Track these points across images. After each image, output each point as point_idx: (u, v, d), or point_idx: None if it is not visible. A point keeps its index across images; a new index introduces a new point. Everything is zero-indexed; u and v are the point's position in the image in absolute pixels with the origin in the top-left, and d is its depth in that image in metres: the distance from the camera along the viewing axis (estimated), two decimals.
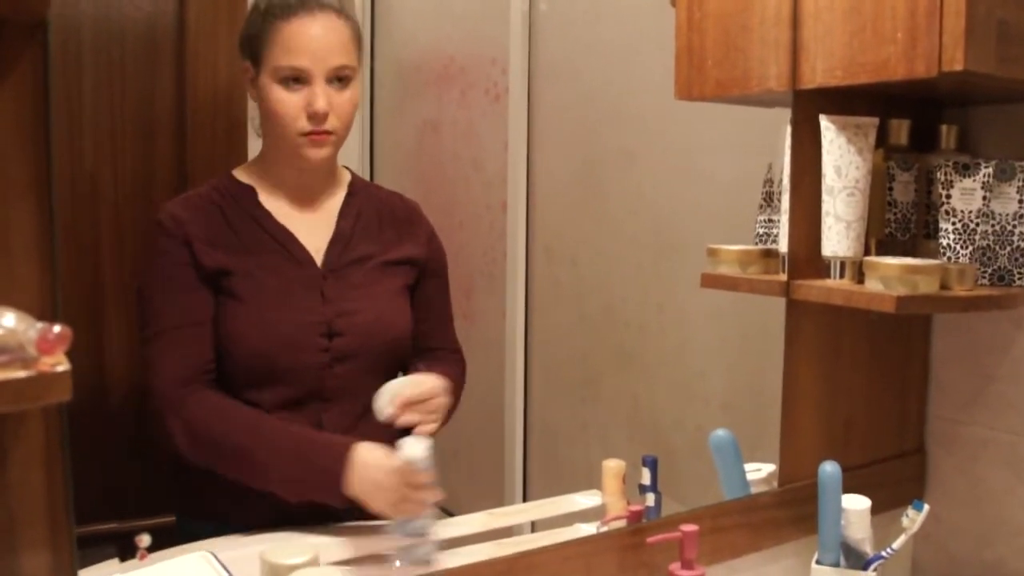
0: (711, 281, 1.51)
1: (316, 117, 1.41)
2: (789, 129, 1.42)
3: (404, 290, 1.52)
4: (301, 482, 1.35)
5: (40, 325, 0.84)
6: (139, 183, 1.71)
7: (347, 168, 1.58)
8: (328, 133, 1.43)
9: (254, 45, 1.45)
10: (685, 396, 1.80)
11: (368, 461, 1.33)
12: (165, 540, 1.28)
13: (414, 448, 1.29)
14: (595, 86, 1.98)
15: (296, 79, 1.40)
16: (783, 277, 1.45)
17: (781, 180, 1.46)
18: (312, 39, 1.41)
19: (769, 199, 1.53)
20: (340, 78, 1.42)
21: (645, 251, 1.87)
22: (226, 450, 1.36)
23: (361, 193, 1.55)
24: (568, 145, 2.06)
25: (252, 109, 1.63)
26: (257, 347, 1.40)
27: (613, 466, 1.44)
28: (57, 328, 0.84)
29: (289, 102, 1.41)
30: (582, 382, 2.04)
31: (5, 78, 0.94)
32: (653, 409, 1.87)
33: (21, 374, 0.80)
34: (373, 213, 1.53)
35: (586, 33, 2.01)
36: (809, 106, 1.39)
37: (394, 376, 1.49)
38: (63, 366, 0.82)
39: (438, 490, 1.30)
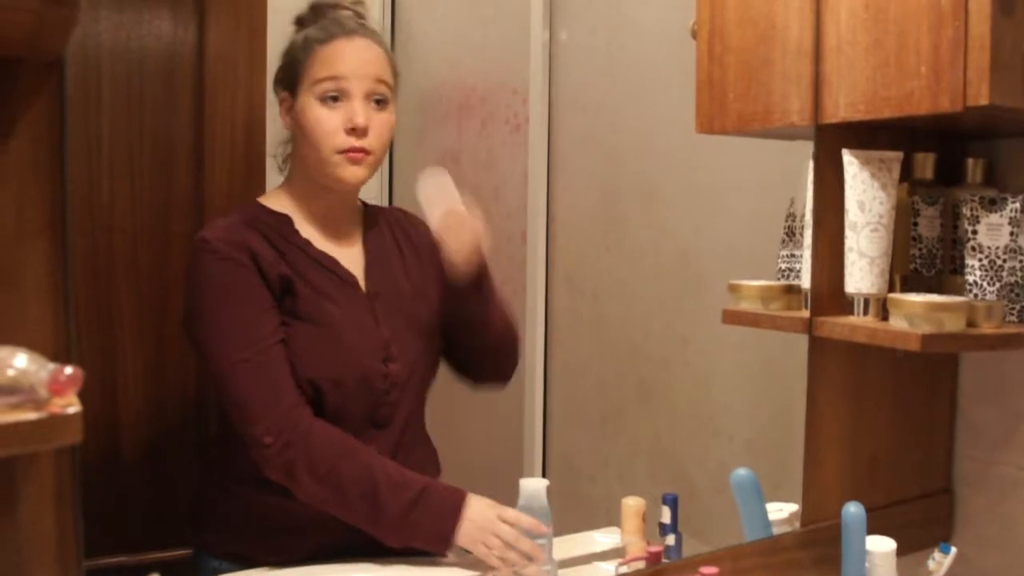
0: (733, 317, 1.51)
1: (356, 132, 1.43)
2: (812, 164, 1.42)
3: (437, 318, 1.52)
4: (412, 528, 1.33)
5: (52, 366, 0.84)
6: (156, 215, 1.72)
7: (361, 200, 1.60)
8: (365, 152, 1.44)
9: (292, 73, 1.49)
10: (707, 432, 1.79)
11: (480, 513, 1.33)
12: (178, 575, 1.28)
13: (535, 495, 1.30)
14: (616, 117, 1.99)
15: (335, 97, 1.44)
16: (806, 314, 1.44)
17: (804, 215, 1.46)
18: (352, 55, 1.46)
19: (791, 234, 1.52)
20: (378, 99, 1.46)
21: (667, 284, 1.87)
22: (349, 488, 1.33)
23: (376, 217, 1.57)
24: (589, 176, 2.06)
25: (273, 140, 1.66)
26: (329, 371, 1.38)
27: (633, 504, 1.43)
28: (69, 369, 0.84)
29: (329, 119, 1.43)
30: (603, 417, 2.03)
31: (21, 118, 0.95)
32: (675, 445, 1.86)
33: (32, 416, 0.81)
34: (390, 236, 1.55)
35: (607, 63, 2.01)
36: (832, 140, 1.39)
37: (423, 404, 1.51)
38: (74, 408, 0.82)
39: (542, 548, 1.30)
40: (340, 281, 1.46)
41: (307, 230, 1.48)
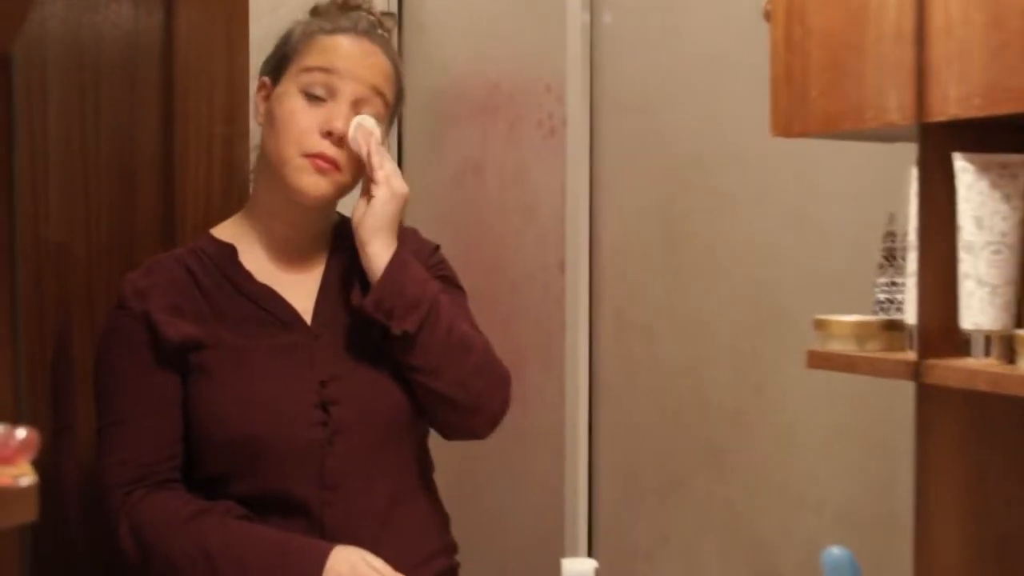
0: (821, 360, 1.48)
1: (331, 137, 1.51)
2: (915, 171, 1.39)
3: None
4: None
5: (0, 429, 0.84)
6: (116, 241, 1.74)
7: (338, 212, 1.67)
8: (335, 166, 1.51)
9: (281, 56, 1.59)
10: (791, 502, 1.78)
11: (346, 558, 1.43)
12: None
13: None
14: (673, 117, 1.99)
15: (320, 96, 1.52)
16: (912, 356, 1.41)
17: (906, 234, 1.44)
18: (353, 53, 1.55)
19: (891, 257, 1.50)
20: (369, 114, 1.54)
21: (738, 321, 1.87)
22: (180, 561, 1.45)
23: (348, 235, 1.60)
24: (640, 190, 2.06)
25: (253, 153, 1.67)
26: (240, 427, 1.48)
27: None
28: (22, 432, 0.84)
29: (305, 114, 1.52)
30: (662, 484, 2.02)
31: None
32: (751, 517, 1.85)
33: None
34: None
35: (661, 52, 2.01)
36: (940, 143, 1.36)
37: (409, 457, 1.58)
38: (28, 478, 0.82)
39: None
40: (274, 320, 1.55)
41: (254, 258, 1.59)
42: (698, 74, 1.94)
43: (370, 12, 1.62)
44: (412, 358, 1.53)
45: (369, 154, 1.51)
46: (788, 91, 1.45)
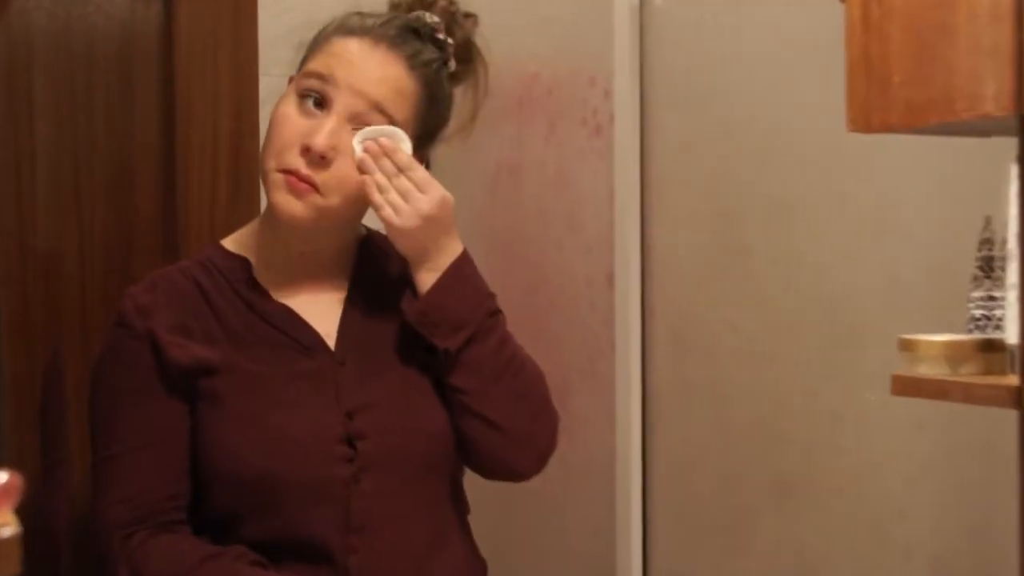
0: (907, 386, 1.46)
1: (309, 154, 1.49)
2: (1015, 169, 1.37)
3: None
4: None
5: None
6: (112, 255, 1.74)
7: (364, 226, 1.69)
8: (311, 187, 1.49)
9: (304, 53, 1.60)
10: (874, 545, 1.76)
11: None
12: None
13: None
14: (734, 111, 1.98)
15: (318, 102, 1.52)
16: (1014, 380, 1.39)
17: (1005, 241, 1.41)
18: (356, 61, 1.53)
19: (989, 267, 1.48)
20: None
21: (810, 339, 1.85)
22: None
23: (380, 252, 1.65)
24: (697, 194, 2.05)
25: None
26: (254, 463, 1.49)
27: None
28: (2, 476, 0.84)
29: (291, 122, 1.52)
30: (725, 524, 2.01)
31: None
32: (828, 563, 1.83)
33: None
34: (393, 272, 1.62)
35: (720, 37, 2.00)
36: None
37: (443, 497, 1.59)
38: (10, 528, 0.83)
39: None
40: (293, 344, 1.56)
41: (270, 274, 1.59)
42: (762, 62, 1.92)
43: (425, 22, 1.60)
44: (452, 377, 1.55)
45: (369, 193, 1.51)
46: (866, 80, 1.44)
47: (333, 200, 1.52)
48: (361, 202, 1.55)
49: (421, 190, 1.52)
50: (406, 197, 1.51)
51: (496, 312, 1.57)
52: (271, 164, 1.51)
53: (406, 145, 1.54)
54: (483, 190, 2.46)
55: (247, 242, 1.62)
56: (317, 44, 1.57)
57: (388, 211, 1.51)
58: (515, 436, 1.57)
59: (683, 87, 2.07)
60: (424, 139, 1.62)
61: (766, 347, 1.93)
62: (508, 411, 1.56)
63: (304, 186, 1.49)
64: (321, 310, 1.60)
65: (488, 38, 2.47)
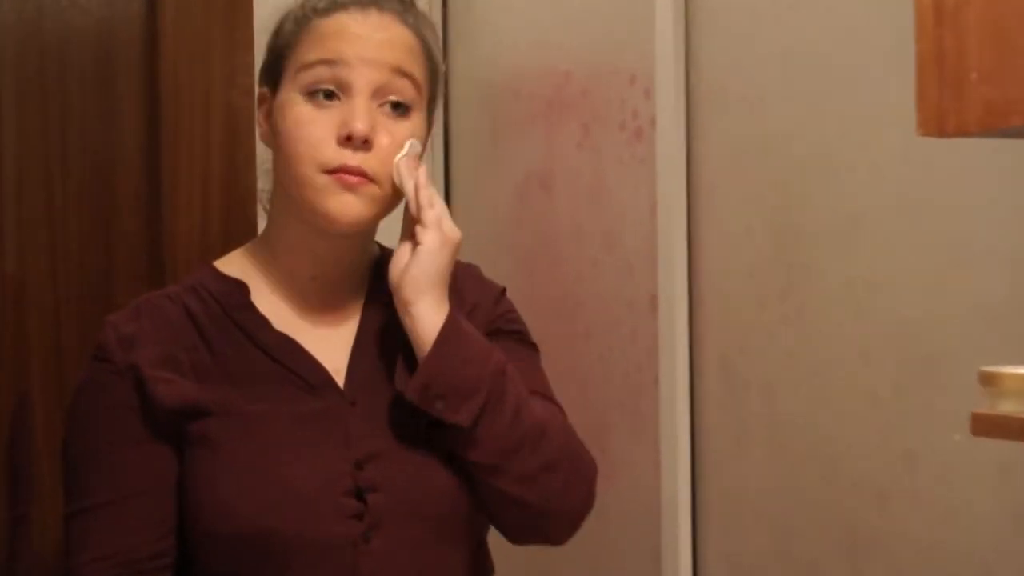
0: (989, 426, 1.43)
1: (352, 141, 1.48)
2: None
3: None
4: None
5: None
6: (92, 283, 1.73)
7: (378, 244, 1.67)
8: (364, 176, 1.49)
9: (276, 57, 1.58)
10: None
11: None
12: None
13: None
14: (791, 114, 1.96)
15: (329, 92, 1.51)
16: None
17: None
18: (360, 32, 1.53)
19: None
20: (395, 103, 1.52)
21: (880, 371, 1.84)
22: None
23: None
24: (751, 207, 2.04)
25: (262, 174, 1.67)
26: (251, 519, 1.46)
27: None
28: None
29: (315, 121, 1.50)
30: None
31: None
32: None
33: None
34: None
35: (775, 30, 1.99)
36: None
37: (464, 557, 1.57)
38: None
39: None
40: (296, 381, 1.54)
41: (270, 300, 1.58)
42: (824, 57, 1.91)
43: None
44: (468, 453, 1.52)
45: (417, 188, 1.50)
46: (939, 77, 1.41)
47: (386, 186, 1.51)
48: (401, 196, 1.55)
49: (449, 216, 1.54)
50: (445, 212, 1.52)
51: (503, 368, 1.53)
52: (308, 171, 1.49)
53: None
54: (509, 203, 2.46)
55: (244, 264, 1.61)
56: (296, 36, 1.55)
57: (437, 211, 1.50)
58: (544, 509, 1.55)
59: (734, 85, 2.06)
60: (432, 100, 1.62)
61: (831, 380, 1.91)
62: (533, 485, 1.53)
63: (356, 178, 1.49)
64: (329, 342, 1.59)
65: (514, 33, 2.49)
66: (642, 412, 2.17)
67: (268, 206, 1.65)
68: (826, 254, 1.92)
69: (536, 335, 1.69)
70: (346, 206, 1.49)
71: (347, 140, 1.48)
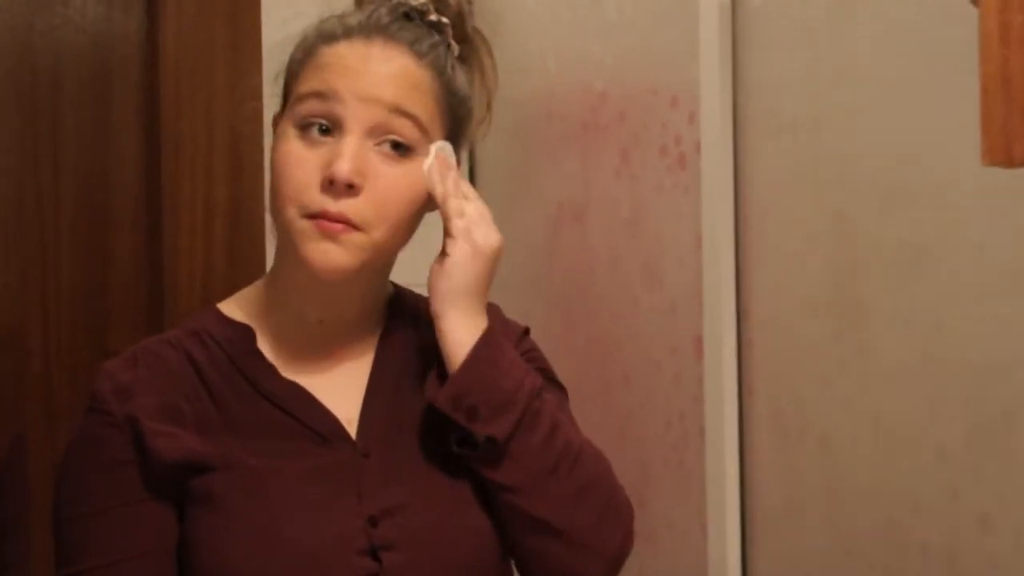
0: None
1: (334, 186, 1.49)
2: None
3: None
4: None
5: None
6: (86, 328, 1.73)
7: (392, 283, 1.69)
8: (347, 224, 1.50)
9: (286, 82, 1.60)
10: None
11: None
12: None
13: None
14: (849, 139, 1.96)
15: (325, 128, 1.52)
16: None
17: None
18: (355, 64, 1.54)
19: None
20: (395, 143, 1.53)
21: (951, 423, 1.82)
22: None
23: (408, 311, 1.65)
24: (806, 240, 2.03)
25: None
26: None
27: None
28: None
29: (301, 160, 1.51)
30: None
31: None
32: None
33: None
34: (430, 339, 1.59)
35: (831, 47, 1.99)
36: None
37: None
38: None
39: None
40: (306, 432, 1.55)
41: (278, 345, 1.60)
42: (883, 77, 1.90)
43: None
44: (498, 473, 1.53)
45: (445, 197, 1.53)
46: (1005, 101, 1.40)
47: (377, 233, 1.52)
48: (405, 231, 1.56)
49: (487, 222, 1.56)
50: (480, 220, 1.55)
51: (541, 390, 1.55)
52: (291, 213, 1.51)
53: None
54: (540, 236, 2.45)
55: (250, 306, 1.63)
56: (300, 63, 1.58)
57: (465, 220, 1.54)
58: (578, 540, 1.55)
59: (787, 106, 2.05)
60: (453, 141, 1.62)
61: (895, 433, 1.90)
62: (568, 510, 1.54)
63: (338, 226, 1.49)
64: (341, 390, 1.60)
65: (544, 49, 2.48)
66: (686, 467, 2.17)
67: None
68: (888, 292, 1.90)
69: (569, 381, 1.70)
70: (325, 255, 1.50)
71: (330, 184, 1.49)
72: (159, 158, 1.80)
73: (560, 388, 1.68)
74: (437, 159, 1.54)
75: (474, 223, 1.53)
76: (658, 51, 2.25)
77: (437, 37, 1.60)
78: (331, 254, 1.50)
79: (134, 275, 1.79)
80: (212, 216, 1.82)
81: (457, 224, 1.53)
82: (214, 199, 1.82)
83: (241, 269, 1.82)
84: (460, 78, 1.62)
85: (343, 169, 1.47)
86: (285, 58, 1.62)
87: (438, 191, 1.53)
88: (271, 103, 1.65)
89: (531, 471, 1.52)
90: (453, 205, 1.53)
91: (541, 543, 1.56)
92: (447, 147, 1.56)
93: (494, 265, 1.56)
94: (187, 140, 1.81)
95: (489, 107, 1.69)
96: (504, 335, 1.63)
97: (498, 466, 1.52)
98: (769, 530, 2.10)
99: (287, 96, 1.58)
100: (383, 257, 1.57)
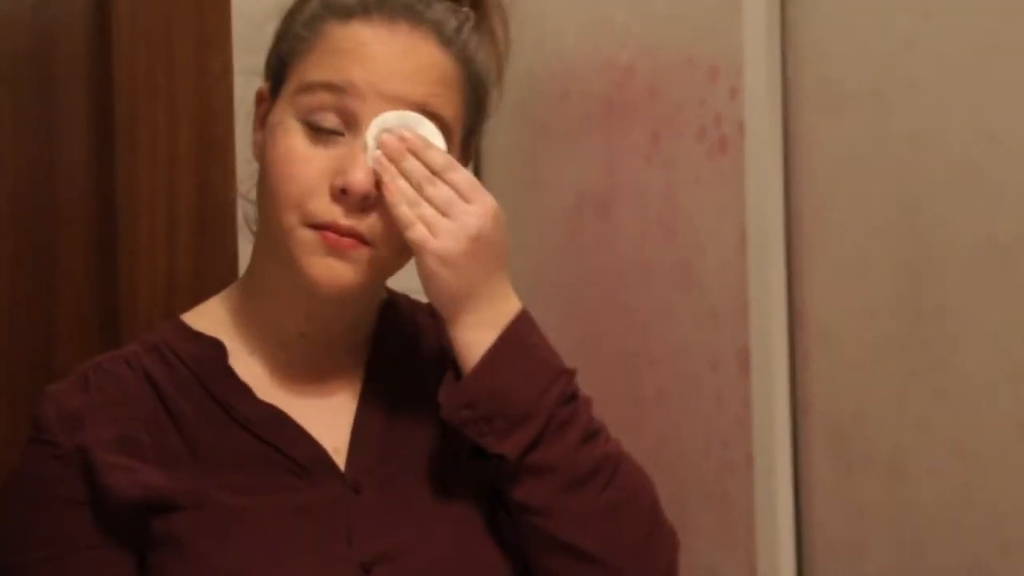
0: None
1: (349, 197, 1.49)
2: None
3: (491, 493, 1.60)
4: None
5: None
6: (28, 341, 1.72)
7: (386, 288, 1.72)
8: (359, 240, 1.51)
9: (281, 58, 1.60)
10: None
11: None
12: None
13: None
14: (920, 116, 1.93)
15: (329, 129, 1.51)
16: None
17: None
18: (378, 52, 1.53)
19: None
20: None
21: None
22: None
23: (403, 320, 1.69)
24: (869, 236, 2.00)
25: (246, 197, 1.72)
26: None
27: None
28: None
29: (307, 161, 1.51)
30: None
31: None
32: None
33: None
34: (428, 350, 1.66)
35: (898, 11, 1.95)
36: None
37: None
38: None
39: None
40: (286, 464, 1.55)
41: (253, 362, 1.61)
42: (959, 41, 1.88)
43: None
44: (518, 491, 1.53)
45: (392, 204, 1.51)
46: None
47: (387, 250, 1.52)
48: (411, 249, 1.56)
49: (466, 198, 1.51)
50: (446, 209, 1.50)
51: (574, 396, 1.55)
52: (292, 219, 1.50)
53: (438, 139, 1.54)
54: (556, 233, 2.47)
55: (220, 318, 1.63)
56: (304, 41, 1.56)
57: (420, 230, 1.49)
58: (604, 563, 1.55)
59: (845, 78, 2.03)
60: (470, 133, 1.65)
61: (978, 457, 1.87)
62: (601, 532, 1.54)
63: (348, 241, 1.49)
64: (326, 413, 1.60)
65: (563, 19, 2.47)
66: (731, 500, 2.15)
67: (250, 226, 1.68)
68: (968, 294, 1.88)
69: (595, 400, 1.67)
70: (331, 271, 1.51)
71: (342, 193, 1.49)
72: (112, 145, 1.85)
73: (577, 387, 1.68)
74: (385, 147, 1.51)
75: (435, 225, 1.50)
76: (694, 15, 2.24)
77: (459, 14, 1.61)
78: (336, 270, 1.51)
79: (84, 282, 1.83)
80: (175, 212, 1.87)
81: (413, 235, 1.50)
82: (177, 192, 1.86)
83: (209, 274, 1.83)
84: (483, 59, 1.63)
85: (360, 181, 1.49)
86: (270, 23, 1.62)
87: (386, 197, 1.50)
88: (243, 80, 1.68)
89: (553, 487, 1.52)
90: (402, 214, 1.49)
91: (569, 570, 1.56)
92: (398, 120, 1.52)
93: (499, 236, 1.55)
94: (145, 123, 1.86)
95: (500, 78, 1.69)
96: None
97: (517, 482, 1.52)
98: (829, 570, 2.08)
99: (282, 75, 1.57)
100: (390, 273, 1.59)
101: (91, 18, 1.79)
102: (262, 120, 1.59)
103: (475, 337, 1.52)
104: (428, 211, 1.49)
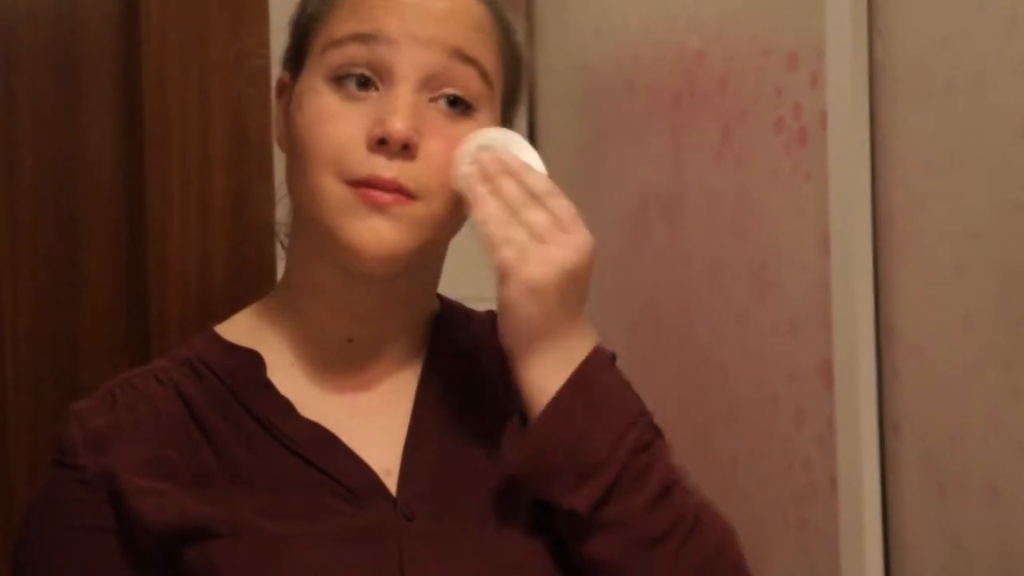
0: None
1: (389, 145, 1.47)
2: None
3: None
4: None
5: None
6: (51, 361, 1.72)
7: (439, 296, 1.71)
8: (402, 192, 1.49)
9: (301, 31, 1.60)
10: None
11: None
12: None
13: None
14: None
15: (364, 80, 1.51)
16: None
17: None
18: (407, 2, 1.53)
19: None
20: (452, 99, 1.53)
21: None
22: None
23: (458, 331, 1.69)
24: (968, 238, 1.98)
25: (281, 200, 1.72)
26: None
27: None
28: None
29: (341, 114, 1.50)
30: None
31: None
32: None
33: None
34: (489, 366, 1.64)
35: None
36: None
37: None
38: None
39: None
40: (332, 487, 1.53)
41: (295, 377, 1.60)
42: None
43: None
44: (591, 546, 1.51)
45: (484, 220, 1.49)
46: None
47: (436, 204, 1.51)
48: (463, 207, 1.53)
49: (565, 229, 1.49)
50: (543, 236, 1.48)
51: (650, 444, 1.53)
52: (326, 178, 1.49)
53: (539, 166, 1.52)
54: (619, 237, 2.47)
55: (257, 328, 1.62)
56: (326, 5, 1.56)
57: (510, 252, 1.47)
58: None
59: (939, 64, 2.00)
60: (510, 98, 1.64)
61: None
62: None
63: (391, 196, 1.47)
64: (375, 431, 1.59)
65: (623, 3, 2.46)
66: (813, 526, 2.14)
67: (281, 236, 1.68)
68: None
69: (659, 419, 1.66)
70: (375, 233, 1.48)
71: (380, 144, 1.47)
72: (141, 144, 1.84)
73: (657, 433, 1.63)
74: (481, 163, 1.50)
75: (527, 251, 1.48)
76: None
77: None
78: (380, 231, 1.48)
79: (110, 292, 1.84)
80: (208, 218, 1.87)
81: (501, 257, 1.48)
82: (211, 195, 1.86)
83: (245, 282, 1.84)
84: (517, 21, 1.63)
85: (398, 126, 1.46)
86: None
87: (476, 214, 1.49)
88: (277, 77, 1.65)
89: (631, 544, 1.50)
90: (495, 232, 1.48)
91: None
92: (500, 139, 1.53)
93: (587, 274, 1.51)
94: (175, 120, 1.85)
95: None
96: None
97: (586, 537, 1.50)
98: None
99: (304, 45, 1.58)
100: (442, 238, 1.57)
101: (118, 4, 1.78)
102: (285, 109, 1.60)
103: (545, 378, 1.50)
104: (521, 235, 1.47)
